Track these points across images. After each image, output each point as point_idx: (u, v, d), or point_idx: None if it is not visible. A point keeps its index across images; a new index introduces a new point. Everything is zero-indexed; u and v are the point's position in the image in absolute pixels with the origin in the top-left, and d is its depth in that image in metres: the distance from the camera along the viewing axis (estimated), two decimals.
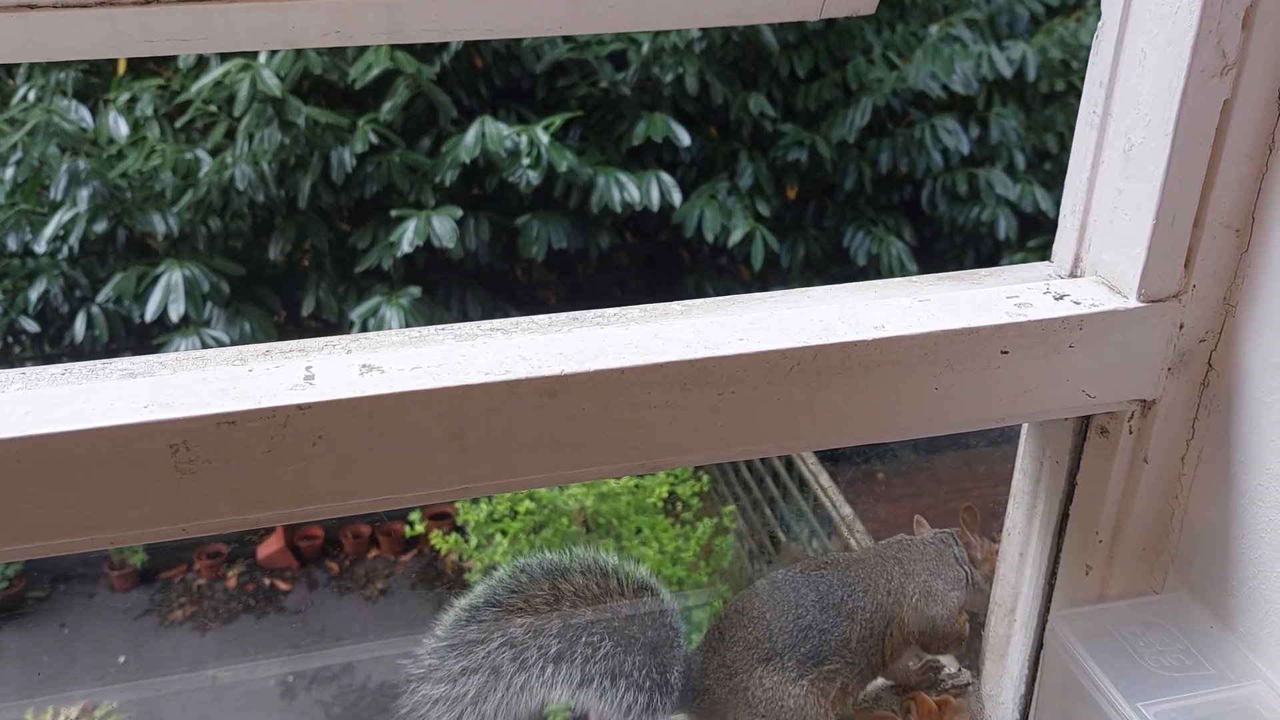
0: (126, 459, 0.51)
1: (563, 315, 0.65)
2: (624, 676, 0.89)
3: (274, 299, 4.72)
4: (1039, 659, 0.72)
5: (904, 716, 0.87)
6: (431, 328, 0.64)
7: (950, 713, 0.86)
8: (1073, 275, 0.64)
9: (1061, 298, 0.59)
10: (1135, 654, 0.58)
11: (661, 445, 0.56)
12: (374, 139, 4.44)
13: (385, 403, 0.53)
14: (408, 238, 4.42)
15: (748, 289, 5.80)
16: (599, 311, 0.65)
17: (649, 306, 0.66)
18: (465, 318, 5.19)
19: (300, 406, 0.51)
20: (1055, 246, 0.67)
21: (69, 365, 0.59)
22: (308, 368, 0.54)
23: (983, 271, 0.67)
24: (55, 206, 4.08)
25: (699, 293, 5.76)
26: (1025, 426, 0.72)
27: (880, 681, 0.92)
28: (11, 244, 4.15)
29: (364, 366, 0.54)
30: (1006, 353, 0.57)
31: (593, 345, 0.56)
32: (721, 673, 0.89)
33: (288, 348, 0.61)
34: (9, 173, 4.16)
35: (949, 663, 0.99)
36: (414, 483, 0.55)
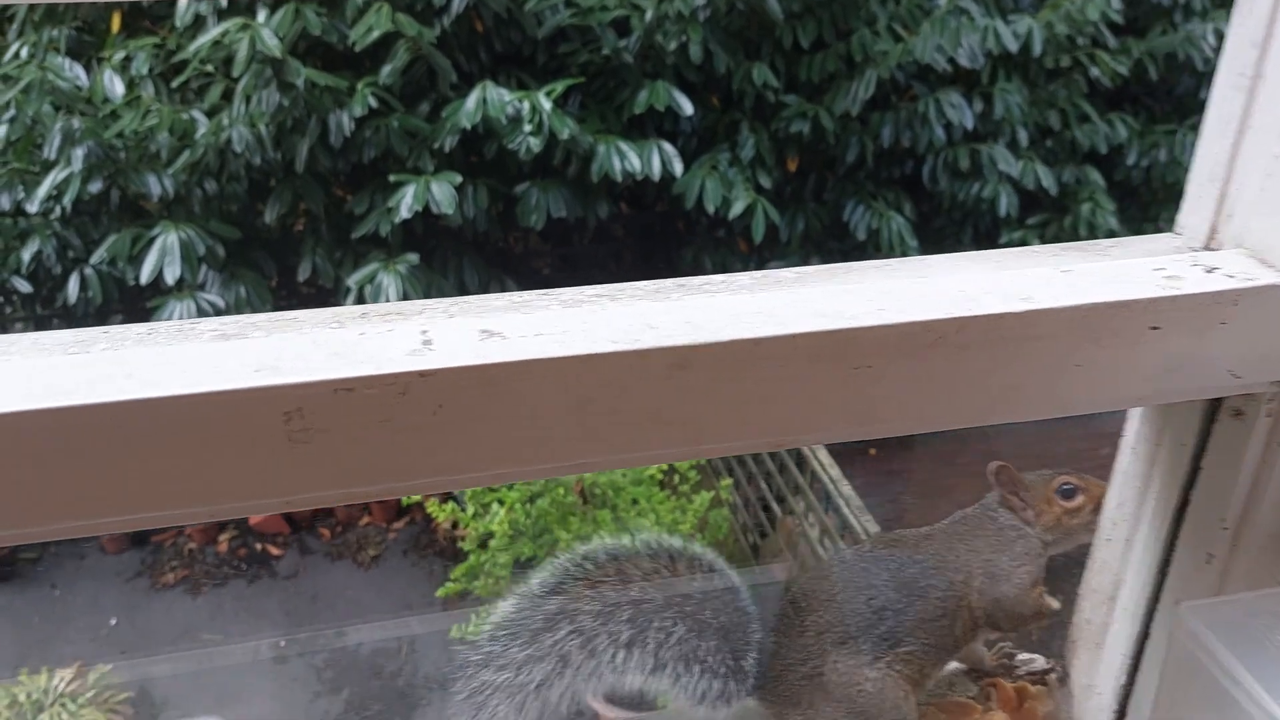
0: (237, 426, 0.47)
1: (669, 281, 0.62)
2: (698, 662, 0.86)
3: (269, 264, 4.65)
4: (1143, 648, 0.70)
5: (983, 703, 0.85)
6: (533, 292, 0.61)
7: (1030, 700, 0.83)
8: (1208, 248, 0.61)
9: (1212, 271, 0.56)
10: (1275, 647, 0.56)
11: (789, 421, 0.53)
12: (373, 103, 4.37)
13: (509, 371, 0.49)
14: (406, 203, 4.36)
15: (745, 262, 5.75)
16: (707, 278, 0.62)
17: (759, 274, 0.63)
18: (462, 286, 5.14)
19: (422, 374, 0.48)
20: (1183, 217, 0.64)
21: (153, 325, 0.55)
22: (423, 331, 0.51)
23: (1105, 243, 0.64)
24: (49, 166, 4.00)
25: (697, 265, 5.72)
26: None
27: (956, 666, 0.89)
28: (4, 203, 4.07)
29: (484, 332, 0.51)
30: (1157, 328, 0.54)
31: (722, 314, 0.53)
32: (794, 657, 0.86)
33: (384, 310, 0.57)
34: (1, 131, 4.07)
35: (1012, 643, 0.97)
36: (533, 456, 0.51)
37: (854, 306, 0.53)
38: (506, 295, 0.60)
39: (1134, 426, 0.69)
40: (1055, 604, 0.85)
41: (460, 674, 0.87)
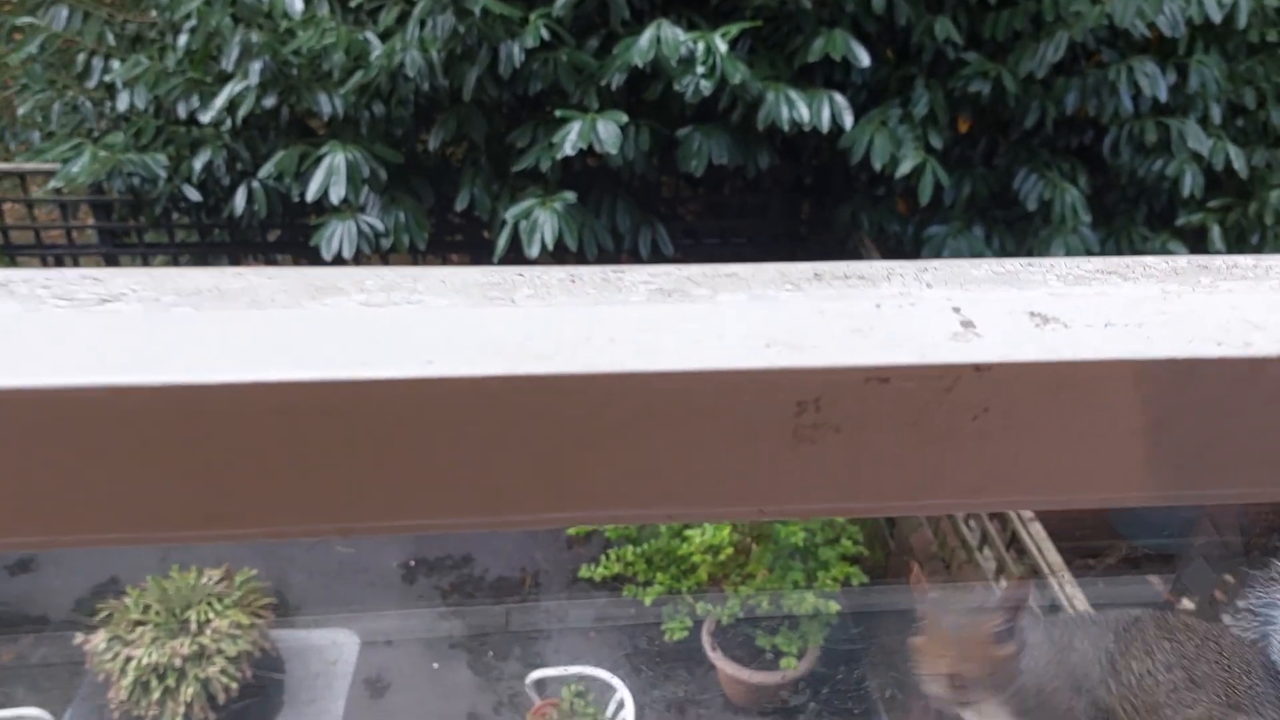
0: (738, 415, 0.36)
1: (1183, 259, 0.49)
2: None
3: (428, 191, 4.63)
4: None
5: None
6: (1015, 261, 0.48)
7: None
8: None
9: None
10: None
11: None
12: (545, 35, 4.26)
13: (1080, 372, 0.37)
14: (571, 140, 4.26)
15: (904, 224, 5.52)
16: (1232, 260, 0.49)
17: None
18: (614, 228, 5.04)
19: (978, 367, 0.36)
20: None
21: (573, 270, 0.45)
22: (956, 309, 0.39)
23: None
24: (225, 78, 4.02)
25: (854, 223, 5.51)
26: None
27: None
28: (180, 111, 4.12)
29: (1036, 316, 0.39)
30: None
31: None
32: None
33: (842, 271, 0.46)
34: (182, 40, 4.11)
35: None
36: (1078, 483, 0.40)
37: None
38: (984, 262, 0.47)
39: None
40: None
41: None
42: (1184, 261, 0.49)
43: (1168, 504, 0.41)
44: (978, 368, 0.36)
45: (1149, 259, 0.49)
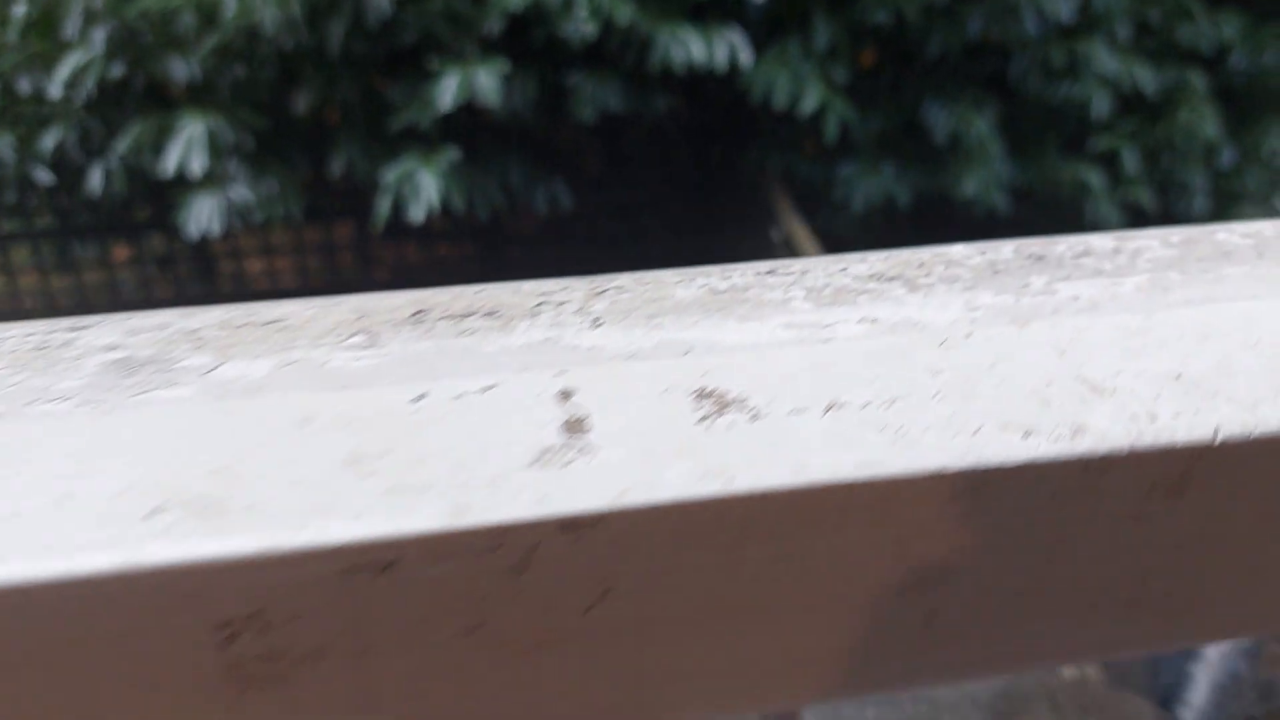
0: (107, 657, 0.18)
1: (1008, 244, 0.32)
2: None
3: (301, 157, 4.34)
4: None
5: None
6: (745, 267, 0.31)
7: None
8: None
9: None
10: None
11: None
12: None
13: (763, 513, 0.20)
14: (450, 94, 4.01)
15: (812, 166, 5.35)
16: (1081, 244, 0.32)
17: (1174, 231, 0.33)
18: (507, 185, 4.79)
19: (566, 524, 0.19)
20: None
21: None
22: (566, 393, 0.21)
23: None
24: (68, 48, 3.69)
25: (761, 169, 5.32)
26: None
27: None
28: (24, 88, 3.79)
29: (702, 396, 0.21)
30: None
31: (1221, 356, 0.23)
32: None
33: (465, 304, 0.28)
34: (20, 10, 3.77)
35: None
36: (795, 686, 0.22)
37: None
38: (704, 273, 0.30)
39: None
40: None
41: None
42: (1009, 250, 0.32)
43: (975, 678, 0.24)
44: (566, 525, 0.19)
45: (956, 250, 0.32)
